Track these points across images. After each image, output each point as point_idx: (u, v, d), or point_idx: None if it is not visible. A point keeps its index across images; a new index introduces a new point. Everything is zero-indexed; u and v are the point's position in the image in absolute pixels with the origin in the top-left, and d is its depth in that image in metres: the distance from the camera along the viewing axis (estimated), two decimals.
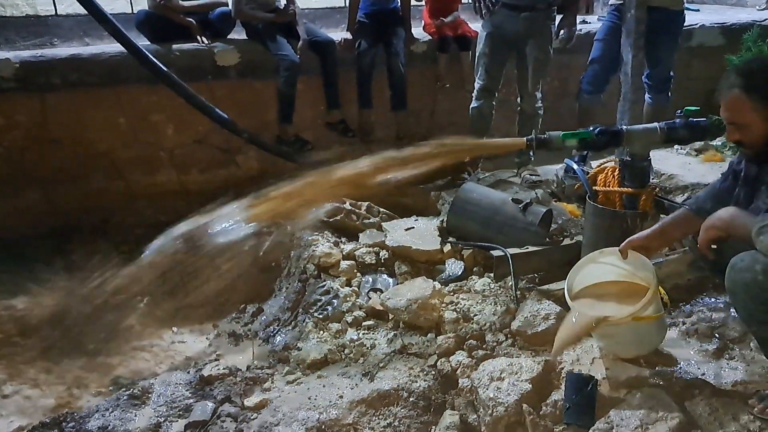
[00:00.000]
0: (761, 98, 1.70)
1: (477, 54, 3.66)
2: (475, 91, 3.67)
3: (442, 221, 3.13)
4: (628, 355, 2.08)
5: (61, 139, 3.69)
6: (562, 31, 3.62)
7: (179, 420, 2.15)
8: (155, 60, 3.39)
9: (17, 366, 2.55)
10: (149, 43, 3.81)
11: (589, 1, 6.00)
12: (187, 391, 2.28)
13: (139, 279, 2.70)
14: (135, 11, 4.44)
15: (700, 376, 2.00)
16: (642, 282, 2.00)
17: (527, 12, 3.40)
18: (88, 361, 2.64)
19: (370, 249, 2.96)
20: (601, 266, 2.11)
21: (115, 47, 3.50)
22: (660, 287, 2.06)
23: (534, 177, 3.61)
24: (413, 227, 3.11)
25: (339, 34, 4.28)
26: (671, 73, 3.61)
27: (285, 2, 4.06)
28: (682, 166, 3.72)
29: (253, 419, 2.09)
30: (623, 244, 2.07)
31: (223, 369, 2.39)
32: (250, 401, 2.18)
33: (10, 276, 3.20)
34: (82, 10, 3.31)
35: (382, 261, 2.92)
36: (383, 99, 4.19)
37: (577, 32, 3.70)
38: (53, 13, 4.39)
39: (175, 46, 3.79)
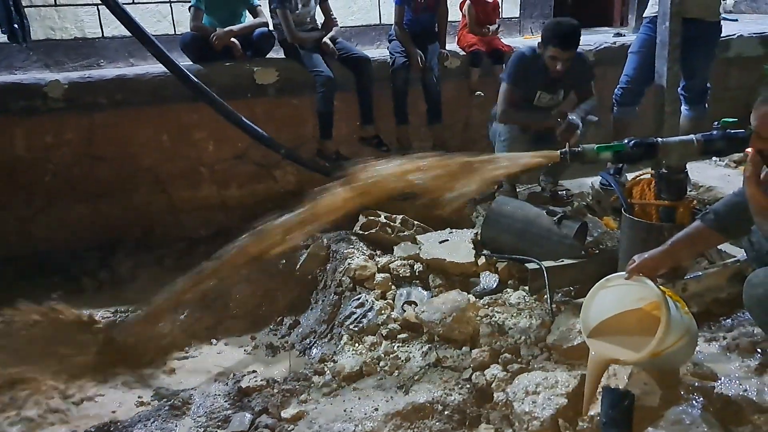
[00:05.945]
0: None
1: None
2: None
3: (476, 234, 3.13)
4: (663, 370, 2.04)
5: (107, 155, 3.81)
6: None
7: (218, 430, 2.19)
8: (196, 79, 3.49)
9: (65, 377, 2.64)
10: (191, 63, 3.94)
11: (623, 14, 5.99)
12: (225, 402, 2.31)
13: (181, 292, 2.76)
14: (177, 32, 4.63)
15: (741, 393, 1.95)
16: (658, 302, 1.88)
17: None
18: (131, 372, 2.72)
19: (405, 262, 2.97)
20: (612, 293, 1.99)
21: (158, 68, 3.61)
22: (678, 297, 1.98)
23: (562, 191, 3.58)
24: (447, 240, 3.11)
25: (374, 52, 4.35)
26: (708, 85, 3.55)
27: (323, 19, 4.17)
28: (720, 178, 3.67)
29: (290, 430, 2.11)
30: (629, 267, 1.97)
31: (261, 381, 2.41)
32: (286, 413, 2.20)
33: (58, 287, 3.30)
34: (127, 33, 3.44)
35: (417, 273, 2.92)
36: (418, 113, 4.24)
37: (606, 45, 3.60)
38: (100, 35, 4.60)
39: (216, 66, 3.90)
